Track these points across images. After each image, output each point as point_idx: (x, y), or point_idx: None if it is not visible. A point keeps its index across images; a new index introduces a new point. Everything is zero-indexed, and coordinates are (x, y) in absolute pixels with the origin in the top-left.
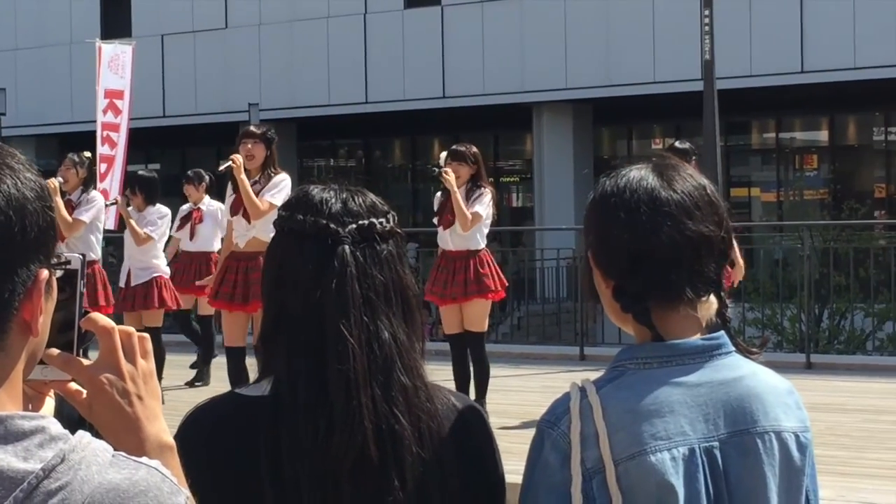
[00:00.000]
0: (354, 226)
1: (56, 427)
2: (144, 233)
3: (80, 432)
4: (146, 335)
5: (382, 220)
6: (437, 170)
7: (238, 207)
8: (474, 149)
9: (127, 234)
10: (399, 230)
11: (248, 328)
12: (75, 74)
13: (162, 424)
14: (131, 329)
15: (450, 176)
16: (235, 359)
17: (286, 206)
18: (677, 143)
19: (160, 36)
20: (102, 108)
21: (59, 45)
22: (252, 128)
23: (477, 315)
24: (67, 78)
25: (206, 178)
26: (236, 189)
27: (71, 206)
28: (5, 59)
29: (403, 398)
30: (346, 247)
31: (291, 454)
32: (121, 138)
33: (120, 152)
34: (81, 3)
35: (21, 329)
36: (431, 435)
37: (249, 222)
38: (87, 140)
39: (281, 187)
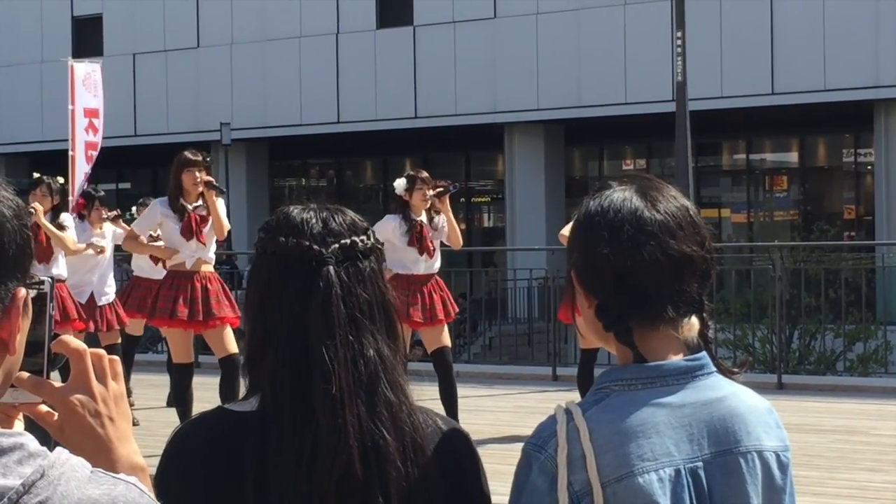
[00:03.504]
0: (337, 245)
1: (34, 444)
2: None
3: (59, 449)
4: (116, 358)
5: (363, 237)
6: (436, 194)
7: (192, 231)
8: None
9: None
10: (379, 246)
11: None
12: (46, 93)
13: (133, 446)
14: (102, 352)
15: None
16: (186, 376)
17: (266, 228)
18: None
19: (132, 54)
20: (84, 126)
21: (30, 64)
22: (191, 155)
23: (445, 332)
24: (38, 96)
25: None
26: (182, 213)
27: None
28: None
29: (388, 413)
30: (331, 267)
31: (276, 474)
32: (94, 156)
33: (88, 170)
34: (53, 22)
35: None
36: (416, 450)
37: (206, 245)
38: (57, 159)
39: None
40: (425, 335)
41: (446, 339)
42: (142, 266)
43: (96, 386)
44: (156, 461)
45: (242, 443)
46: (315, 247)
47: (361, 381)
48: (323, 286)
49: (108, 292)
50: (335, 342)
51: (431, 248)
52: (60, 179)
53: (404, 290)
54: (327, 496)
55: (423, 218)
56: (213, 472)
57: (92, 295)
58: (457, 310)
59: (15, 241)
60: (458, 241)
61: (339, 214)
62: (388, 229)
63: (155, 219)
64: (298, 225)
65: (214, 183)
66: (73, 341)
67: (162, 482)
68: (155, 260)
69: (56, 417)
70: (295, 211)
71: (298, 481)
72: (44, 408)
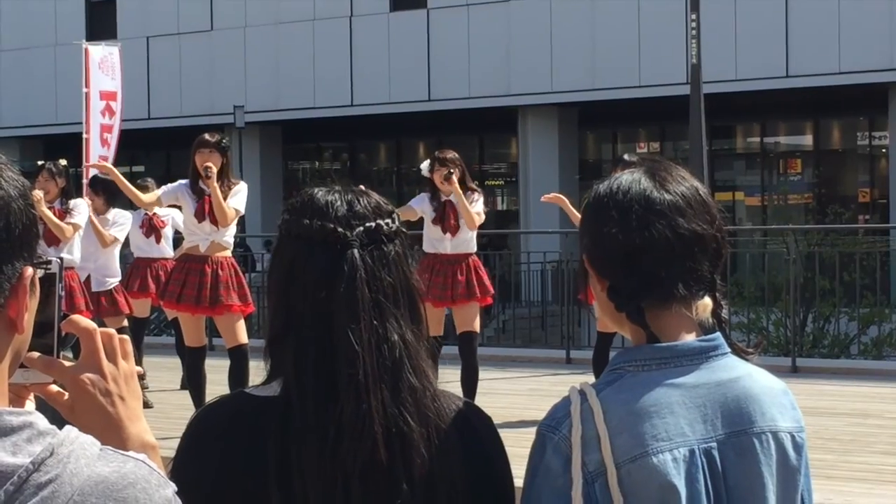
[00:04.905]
0: (362, 228)
1: (44, 422)
2: (111, 236)
3: (68, 427)
4: (126, 337)
5: (388, 220)
6: (446, 174)
7: (204, 213)
8: (453, 153)
9: (86, 239)
10: (404, 229)
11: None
12: (60, 76)
13: (144, 425)
14: (112, 331)
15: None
16: (199, 359)
17: (291, 209)
18: (626, 156)
19: (145, 38)
20: (100, 109)
21: (44, 47)
22: (207, 137)
23: (473, 316)
24: (52, 80)
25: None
26: (199, 195)
27: (57, 215)
28: None
29: (412, 399)
30: (356, 251)
31: (300, 460)
32: (112, 139)
33: (112, 153)
34: (66, 5)
35: (6, 327)
36: (439, 434)
37: (218, 228)
38: (71, 142)
39: (242, 194)
40: (455, 316)
41: (473, 323)
42: (139, 245)
43: (107, 365)
44: (169, 443)
45: (263, 427)
46: (340, 229)
47: (386, 367)
48: (347, 269)
49: (108, 281)
50: (360, 326)
51: (454, 227)
52: (63, 161)
53: (428, 269)
54: (351, 482)
55: (453, 198)
56: (231, 457)
57: (88, 279)
58: (491, 291)
59: (21, 221)
60: (471, 222)
61: (364, 197)
62: (423, 205)
63: (176, 191)
64: (323, 207)
65: (209, 172)
66: (83, 321)
67: (180, 465)
68: (147, 234)
69: (67, 397)
70: (319, 193)
71: (322, 467)
72: (54, 387)
